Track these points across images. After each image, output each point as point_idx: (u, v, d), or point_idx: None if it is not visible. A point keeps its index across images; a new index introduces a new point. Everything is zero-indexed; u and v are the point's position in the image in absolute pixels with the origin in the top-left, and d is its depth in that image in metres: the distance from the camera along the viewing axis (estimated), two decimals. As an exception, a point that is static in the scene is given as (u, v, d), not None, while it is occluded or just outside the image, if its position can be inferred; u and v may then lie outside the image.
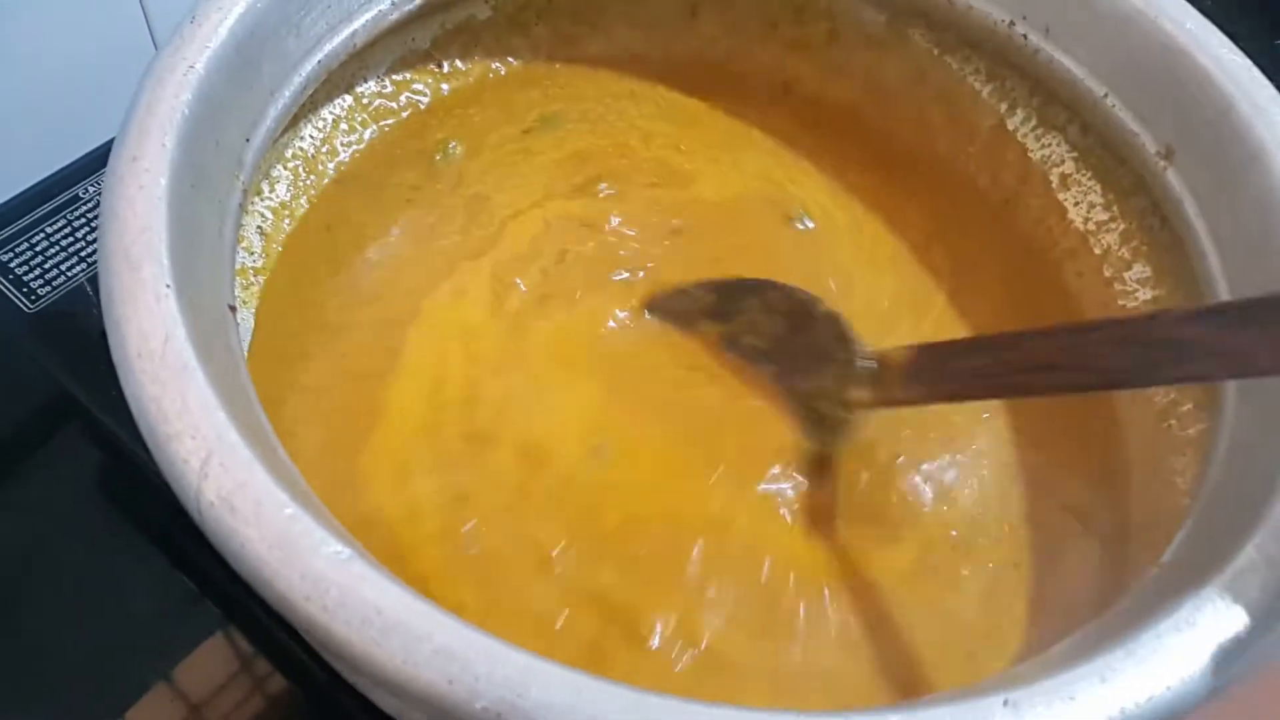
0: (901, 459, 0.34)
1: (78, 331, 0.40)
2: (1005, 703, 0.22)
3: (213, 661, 0.34)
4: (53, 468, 0.39)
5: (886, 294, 0.38)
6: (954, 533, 0.33)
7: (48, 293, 0.41)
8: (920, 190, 0.41)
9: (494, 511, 0.32)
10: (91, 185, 0.44)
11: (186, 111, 0.29)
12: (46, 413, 0.40)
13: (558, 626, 0.30)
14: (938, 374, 0.31)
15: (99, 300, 0.26)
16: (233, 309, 0.29)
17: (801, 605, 0.31)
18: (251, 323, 0.34)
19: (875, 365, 0.33)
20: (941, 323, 0.38)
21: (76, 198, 0.44)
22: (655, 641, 0.30)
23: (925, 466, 0.34)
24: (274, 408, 0.32)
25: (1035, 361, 0.28)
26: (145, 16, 0.51)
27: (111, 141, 0.45)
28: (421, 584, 0.30)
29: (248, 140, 0.32)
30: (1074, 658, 0.24)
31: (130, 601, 0.36)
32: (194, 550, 0.36)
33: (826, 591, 0.31)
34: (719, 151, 0.42)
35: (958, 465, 0.35)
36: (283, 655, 0.34)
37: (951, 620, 0.32)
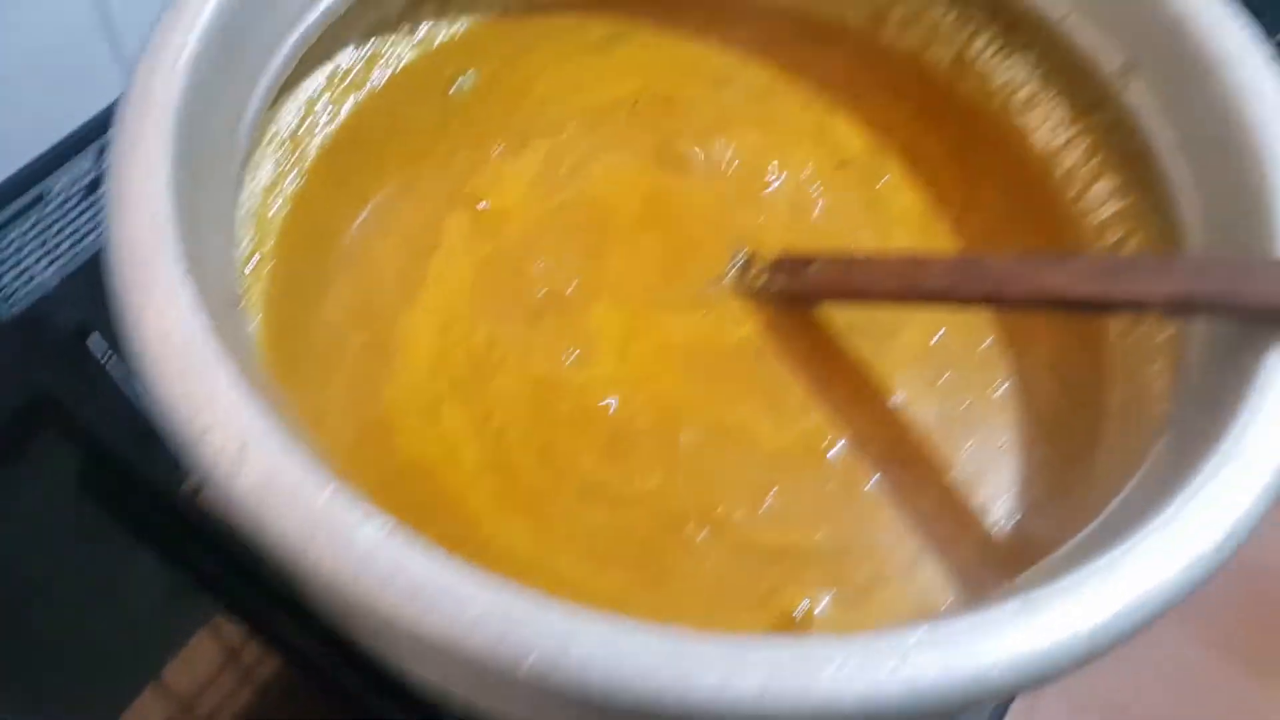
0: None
1: (54, 332, 0.40)
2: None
3: (204, 654, 0.35)
4: (34, 470, 0.39)
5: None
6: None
7: (21, 295, 0.41)
8: (934, 112, 0.42)
9: (524, 433, 0.34)
10: (58, 181, 0.44)
11: (181, 99, 0.29)
12: (25, 415, 0.40)
13: (610, 538, 0.32)
14: (795, 269, 0.36)
15: (110, 293, 0.26)
16: (238, 304, 0.30)
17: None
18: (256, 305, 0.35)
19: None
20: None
21: (42, 195, 0.43)
22: (702, 535, 0.33)
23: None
24: (295, 361, 0.34)
25: (879, 270, 0.34)
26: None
27: (76, 133, 0.45)
28: (475, 526, 0.32)
29: (238, 124, 0.32)
30: (1060, 568, 0.26)
31: (119, 598, 0.36)
32: (180, 543, 0.36)
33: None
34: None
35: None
36: (279, 640, 0.35)
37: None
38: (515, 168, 0.39)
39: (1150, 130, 0.35)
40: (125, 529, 0.37)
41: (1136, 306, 0.29)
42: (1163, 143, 0.35)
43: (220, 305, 0.29)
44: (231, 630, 0.35)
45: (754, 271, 0.38)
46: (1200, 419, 0.29)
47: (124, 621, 0.36)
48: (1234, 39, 0.33)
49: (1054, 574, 0.26)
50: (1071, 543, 0.29)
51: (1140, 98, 0.35)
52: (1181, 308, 0.29)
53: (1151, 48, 0.35)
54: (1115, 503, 0.30)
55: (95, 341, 0.38)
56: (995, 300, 0.31)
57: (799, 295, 0.37)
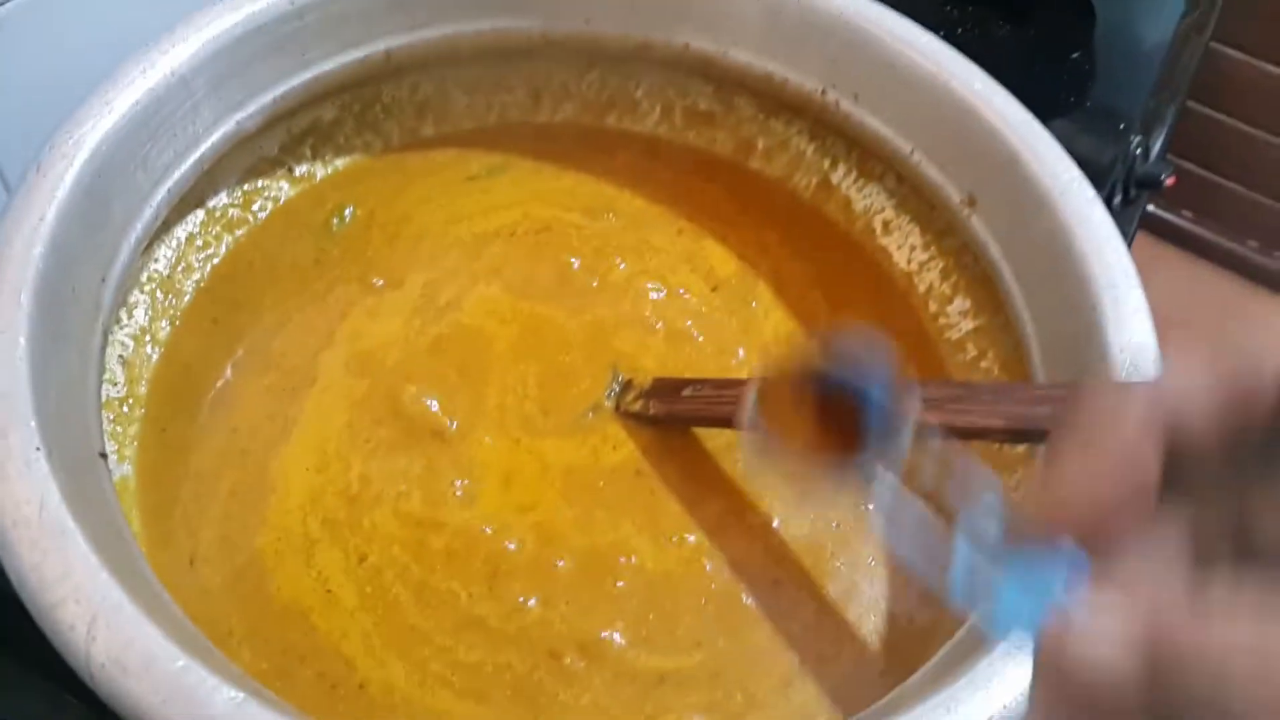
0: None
1: None
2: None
3: None
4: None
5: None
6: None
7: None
8: (799, 240, 0.44)
9: (400, 571, 0.34)
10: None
11: (40, 265, 0.30)
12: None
13: (488, 673, 0.32)
14: (669, 395, 0.38)
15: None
16: (103, 456, 0.30)
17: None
18: (129, 451, 0.35)
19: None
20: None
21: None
22: (582, 665, 0.33)
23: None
24: (168, 506, 0.34)
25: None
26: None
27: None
28: (351, 668, 0.32)
29: (103, 280, 0.33)
30: (927, 688, 0.27)
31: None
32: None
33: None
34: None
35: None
36: None
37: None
38: (393, 301, 0.40)
39: (992, 258, 0.37)
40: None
41: (976, 435, 0.31)
42: (1004, 269, 0.37)
43: (82, 460, 0.29)
44: None
45: (630, 396, 0.39)
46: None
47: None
48: (1064, 175, 0.35)
49: (920, 694, 0.27)
50: (930, 663, 0.30)
51: (981, 227, 0.38)
52: (1013, 437, 0.31)
53: (989, 183, 0.37)
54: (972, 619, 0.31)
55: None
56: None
57: (674, 419, 0.38)
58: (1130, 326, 0.33)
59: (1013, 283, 0.37)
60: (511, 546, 0.35)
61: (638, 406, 0.38)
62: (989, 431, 0.30)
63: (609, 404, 0.39)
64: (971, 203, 0.38)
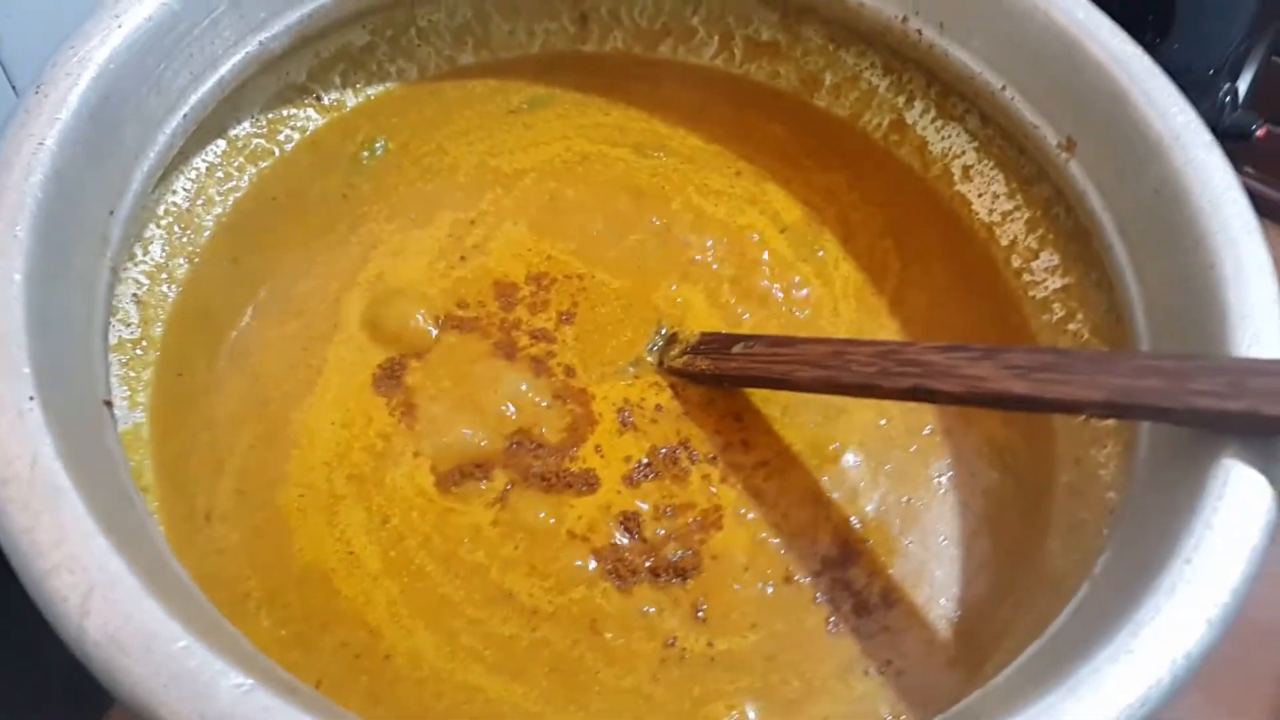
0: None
1: None
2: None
3: None
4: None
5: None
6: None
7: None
8: (868, 184, 0.40)
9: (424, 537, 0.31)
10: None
11: (39, 194, 0.27)
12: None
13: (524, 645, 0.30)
14: (718, 352, 0.34)
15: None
16: (108, 404, 0.27)
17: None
18: (143, 397, 0.32)
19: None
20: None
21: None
22: (620, 642, 0.30)
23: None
24: (184, 456, 0.32)
25: (804, 359, 0.32)
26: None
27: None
28: (374, 637, 0.29)
29: (112, 213, 0.30)
30: (1017, 693, 0.24)
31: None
32: None
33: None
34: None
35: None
36: None
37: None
38: (420, 241, 0.37)
39: (1090, 208, 0.33)
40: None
41: (1068, 408, 0.28)
42: (1104, 220, 0.33)
43: (84, 410, 0.27)
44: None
45: (675, 351, 0.35)
46: (1150, 530, 0.27)
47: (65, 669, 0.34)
48: (1178, 117, 0.31)
49: (1005, 704, 0.24)
50: (1017, 663, 0.27)
51: (1080, 174, 0.34)
52: (1114, 412, 0.28)
53: (1092, 124, 0.33)
54: (1064, 616, 0.28)
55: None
56: (920, 395, 0.30)
57: (724, 378, 0.35)
58: (1253, 288, 0.29)
59: (1114, 236, 0.33)
60: (552, 519, 0.32)
61: (682, 363, 0.35)
62: (1086, 405, 0.27)
63: (650, 359, 0.36)
64: (1070, 146, 0.34)
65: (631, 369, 0.35)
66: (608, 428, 0.34)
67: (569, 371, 0.35)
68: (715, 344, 0.35)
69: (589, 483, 0.32)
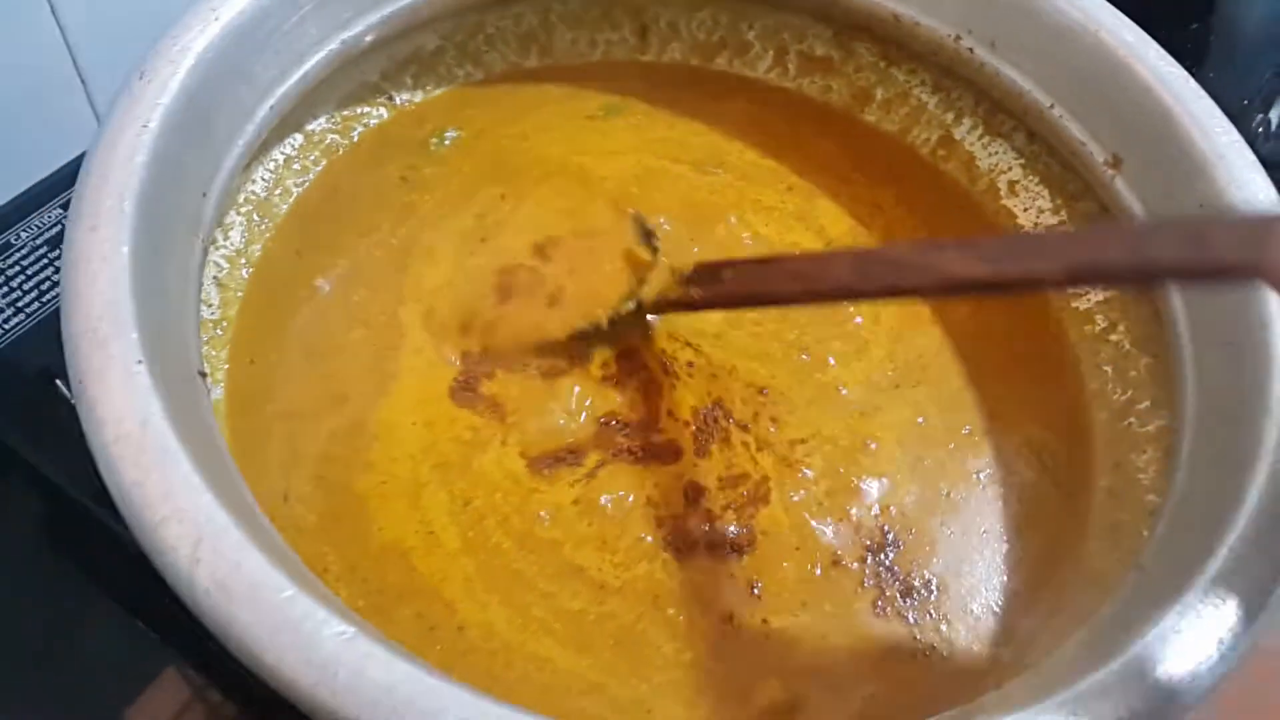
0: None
1: (18, 380, 0.39)
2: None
3: (163, 701, 0.34)
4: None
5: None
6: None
7: (-15, 344, 0.39)
8: (915, 198, 0.42)
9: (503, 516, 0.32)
10: (24, 231, 0.43)
11: (143, 174, 0.28)
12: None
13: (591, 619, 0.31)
14: (710, 279, 0.35)
15: (69, 378, 0.25)
16: (203, 375, 0.29)
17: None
18: (220, 376, 0.34)
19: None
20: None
21: (9, 244, 0.42)
22: (681, 618, 0.31)
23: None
24: (261, 439, 0.33)
25: (786, 271, 0.33)
26: (69, 49, 0.49)
27: (43, 183, 0.44)
28: (449, 610, 0.30)
29: (204, 195, 0.31)
30: (1062, 676, 0.25)
31: (79, 645, 0.35)
32: (143, 593, 0.35)
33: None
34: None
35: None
36: (237, 687, 0.35)
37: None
38: (498, 230, 0.38)
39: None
40: (87, 577, 0.36)
41: (1031, 285, 0.28)
42: (1148, 235, 0.34)
43: (181, 378, 0.28)
44: (190, 678, 0.35)
45: (672, 282, 0.36)
46: (1193, 528, 0.28)
47: (84, 668, 0.35)
48: (1222, 137, 0.33)
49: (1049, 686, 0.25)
50: (1061, 649, 0.28)
51: (1126, 190, 0.35)
52: (1075, 280, 0.28)
53: (1139, 142, 0.35)
54: (1107, 606, 0.29)
55: (60, 389, 0.37)
56: (897, 291, 0.30)
57: (718, 303, 0.35)
58: (1296, 299, 0.30)
59: (1158, 251, 0.34)
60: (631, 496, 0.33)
61: (677, 294, 0.35)
62: (1047, 278, 0.27)
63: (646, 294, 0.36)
64: (1116, 164, 0.35)
65: (630, 304, 0.36)
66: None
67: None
68: (707, 272, 0.35)
69: (674, 452, 0.34)
